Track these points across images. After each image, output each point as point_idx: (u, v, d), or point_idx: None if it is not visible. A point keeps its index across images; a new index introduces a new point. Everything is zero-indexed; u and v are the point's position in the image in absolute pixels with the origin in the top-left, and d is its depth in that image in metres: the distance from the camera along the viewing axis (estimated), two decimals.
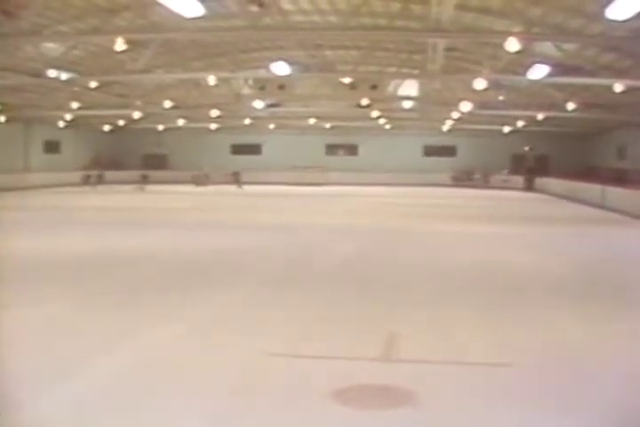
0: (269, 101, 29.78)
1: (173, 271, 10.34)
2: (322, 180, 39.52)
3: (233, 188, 35.79)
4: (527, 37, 15.63)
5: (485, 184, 38.95)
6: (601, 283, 9.82)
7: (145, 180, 34.97)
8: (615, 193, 23.74)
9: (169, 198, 28.68)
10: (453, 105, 27.80)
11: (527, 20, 16.30)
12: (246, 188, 35.09)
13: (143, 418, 4.49)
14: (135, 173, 37.15)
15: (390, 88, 30.61)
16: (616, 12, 10.95)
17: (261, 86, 28.35)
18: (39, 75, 20.92)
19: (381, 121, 35.58)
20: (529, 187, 37.37)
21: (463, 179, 40.40)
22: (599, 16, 13.08)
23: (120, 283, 9.22)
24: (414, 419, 4.51)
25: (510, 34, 14.87)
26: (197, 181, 37.37)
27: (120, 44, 14.73)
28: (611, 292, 9.12)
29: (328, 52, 25.21)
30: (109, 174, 38.17)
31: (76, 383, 5.05)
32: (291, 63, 19.35)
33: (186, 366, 5.52)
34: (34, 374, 5.16)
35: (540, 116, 29.38)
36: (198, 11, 12.69)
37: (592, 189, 26.54)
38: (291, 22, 20.75)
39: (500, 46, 15.05)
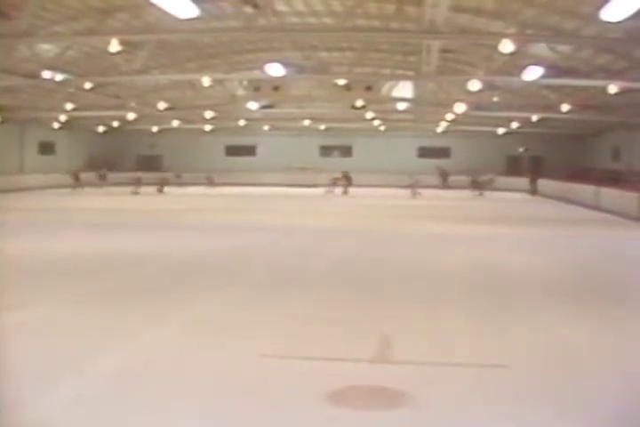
0: (264, 103, 29.76)
1: (171, 272, 10.33)
2: (316, 181, 39.39)
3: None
4: (522, 39, 15.65)
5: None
6: (597, 284, 9.83)
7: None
8: (610, 194, 23.78)
9: (163, 200, 28.61)
10: (448, 106, 27.81)
11: (521, 22, 16.31)
12: (234, 190, 34.44)
13: (142, 420, 4.48)
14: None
15: (385, 89, 30.65)
16: (611, 14, 10.95)
17: (256, 88, 28.34)
18: (34, 76, 20.85)
19: (376, 122, 35.56)
20: (534, 190, 34.58)
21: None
22: (594, 17, 13.11)
23: (123, 283, 9.22)
24: (410, 420, 4.51)
25: (505, 35, 14.87)
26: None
27: (115, 46, 14.70)
28: (606, 292, 9.14)
29: (323, 54, 25.17)
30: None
31: (73, 384, 5.04)
32: (285, 64, 19.32)
33: (182, 368, 5.51)
34: (32, 374, 5.16)
35: (535, 118, 29.38)
36: (193, 12, 12.68)
37: (586, 190, 26.58)
38: (285, 24, 20.76)
39: (495, 48, 15.06)
